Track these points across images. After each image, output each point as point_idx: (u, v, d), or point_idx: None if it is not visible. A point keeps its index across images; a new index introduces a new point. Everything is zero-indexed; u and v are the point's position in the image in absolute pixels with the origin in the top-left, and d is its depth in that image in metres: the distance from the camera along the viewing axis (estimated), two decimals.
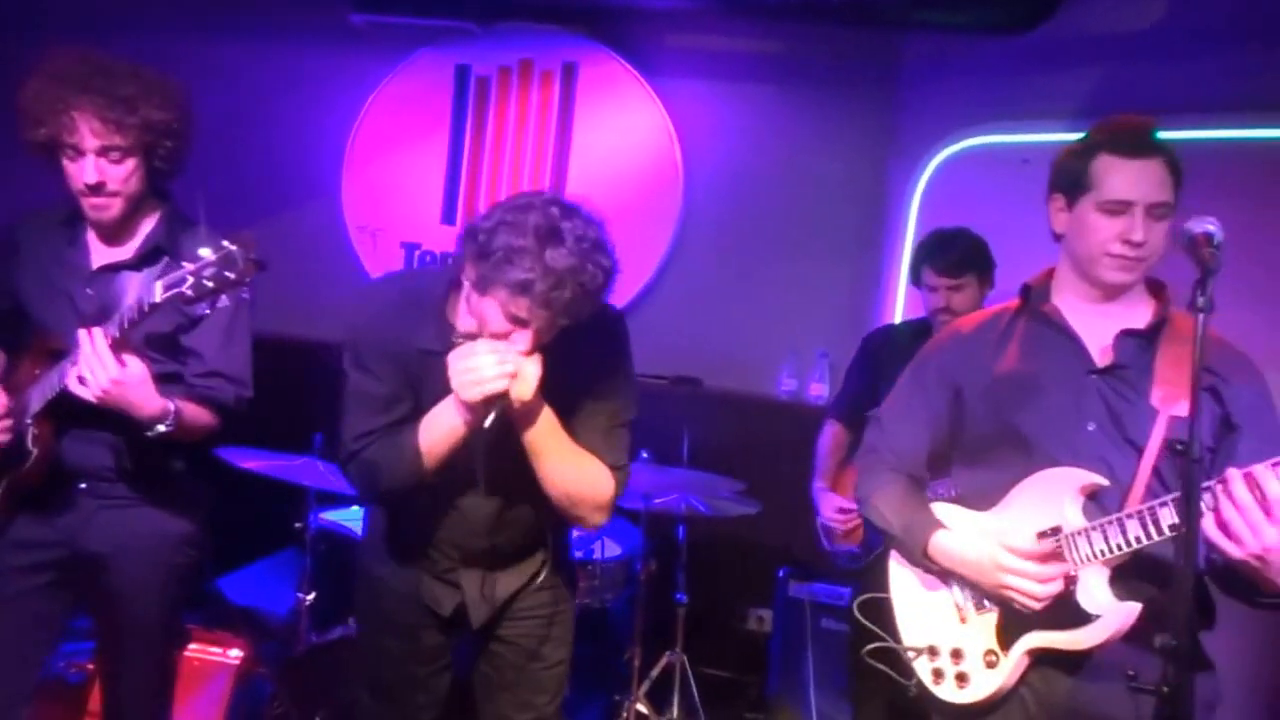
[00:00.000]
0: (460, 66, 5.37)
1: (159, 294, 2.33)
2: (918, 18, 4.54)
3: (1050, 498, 2.15)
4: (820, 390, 4.99)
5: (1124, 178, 2.18)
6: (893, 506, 2.44)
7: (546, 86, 5.30)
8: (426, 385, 2.37)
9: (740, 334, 5.13)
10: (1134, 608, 2.07)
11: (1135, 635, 2.06)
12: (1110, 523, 2.06)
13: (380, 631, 2.68)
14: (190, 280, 2.29)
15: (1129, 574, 2.12)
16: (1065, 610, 2.13)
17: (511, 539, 2.58)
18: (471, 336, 2.23)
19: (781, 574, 4.38)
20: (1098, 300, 2.27)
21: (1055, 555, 2.14)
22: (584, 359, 2.37)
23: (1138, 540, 2.03)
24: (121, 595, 2.75)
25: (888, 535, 2.46)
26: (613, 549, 4.15)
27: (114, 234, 2.76)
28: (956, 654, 2.29)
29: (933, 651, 2.33)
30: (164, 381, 2.60)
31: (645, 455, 4.14)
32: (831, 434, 4.02)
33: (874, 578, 3.38)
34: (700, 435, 4.45)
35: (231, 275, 2.28)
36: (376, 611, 2.69)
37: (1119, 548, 2.05)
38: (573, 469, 2.39)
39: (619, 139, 5.22)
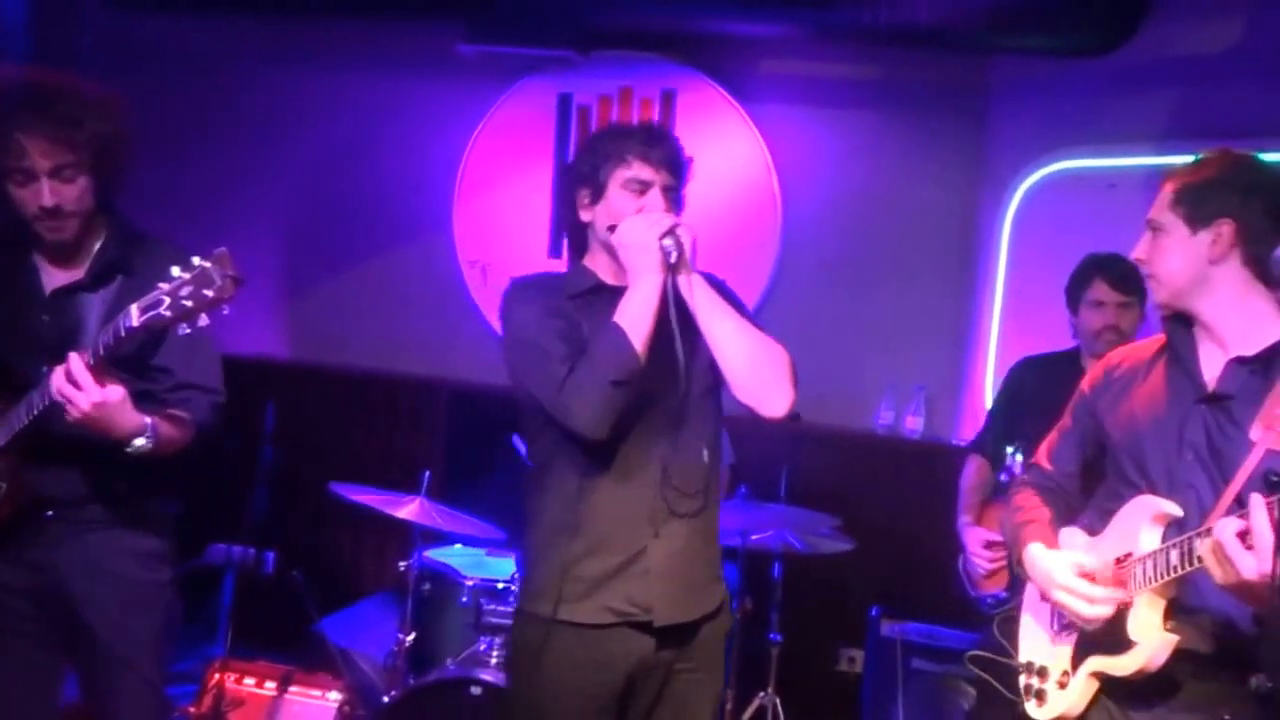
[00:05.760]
0: (563, 95, 5.36)
1: (135, 318, 2.27)
2: (1001, 42, 4.52)
3: (1132, 525, 2.20)
4: (916, 424, 4.89)
5: None
6: (1011, 517, 2.51)
7: (646, 114, 5.27)
8: (588, 326, 2.51)
9: (839, 367, 5.00)
10: (1170, 640, 2.10)
11: (1233, 676, 2.04)
12: (1160, 551, 2.09)
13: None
14: (167, 301, 2.24)
15: (1190, 610, 2.13)
16: (1117, 635, 2.18)
17: (687, 478, 2.55)
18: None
19: (874, 613, 4.31)
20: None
21: (1123, 581, 2.18)
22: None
23: (1174, 570, 2.03)
24: (100, 620, 2.67)
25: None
26: None
27: (65, 255, 2.66)
28: (1042, 672, 2.35)
29: (1028, 668, 2.40)
30: (138, 400, 2.54)
31: (744, 491, 4.10)
32: (974, 469, 3.91)
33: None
34: (798, 471, 4.43)
35: (210, 293, 2.23)
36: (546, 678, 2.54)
37: (1161, 575, 2.07)
38: (748, 333, 2.52)
39: (718, 166, 5.15)
